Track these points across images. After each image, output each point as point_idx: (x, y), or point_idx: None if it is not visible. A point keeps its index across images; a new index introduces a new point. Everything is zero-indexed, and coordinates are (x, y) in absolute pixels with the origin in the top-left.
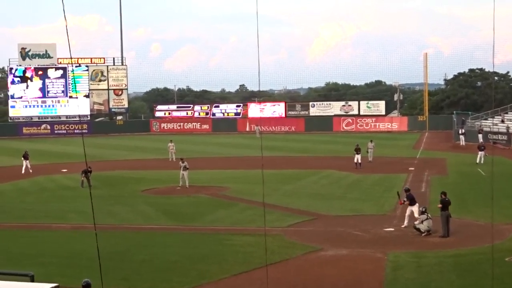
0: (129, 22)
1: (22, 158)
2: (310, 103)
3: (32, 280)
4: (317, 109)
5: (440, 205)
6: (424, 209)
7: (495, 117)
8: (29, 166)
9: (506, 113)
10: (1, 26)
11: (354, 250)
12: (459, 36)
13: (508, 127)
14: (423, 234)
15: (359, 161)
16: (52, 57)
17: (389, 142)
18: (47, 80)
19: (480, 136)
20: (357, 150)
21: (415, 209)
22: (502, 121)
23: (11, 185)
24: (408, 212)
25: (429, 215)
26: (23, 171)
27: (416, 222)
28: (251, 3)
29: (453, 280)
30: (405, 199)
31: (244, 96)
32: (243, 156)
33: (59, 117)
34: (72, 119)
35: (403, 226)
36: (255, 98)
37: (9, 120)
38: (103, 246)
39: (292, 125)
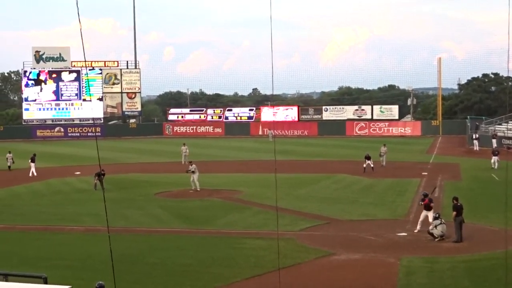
0: (143, 25)
1: (30, 161)
2: (323, 107)
3: (45, 282)
4: (330, 113)
5: (455, 212)
6: (437, 214)
7: (509, 122)
8: (34, 169)
9: None
10: (16, 29)
11: (367, 254)
12: (473, 41)
13: None
14: (436, 239)
15: (372, 165)
16: (66, 60)
17: (402, 147)
18: (60, 83)
19: (494, 141)
20: (368, 158)
21: (430, 214)
22: None
23: (25, 188)
24: (421, 218)
25: (442, 220)
26: (35, 174)
27: (430, 227)
28: (264, 7)
29: (466, 286)
30: (423, 202)
31: (257, 100)
32: (255, 160)
33: (73, 120)
34: (86, 122)
35: (415, 231)
36: (268, 101)
37: (23, 123)
38: (116, 249)
39: (305, 129)
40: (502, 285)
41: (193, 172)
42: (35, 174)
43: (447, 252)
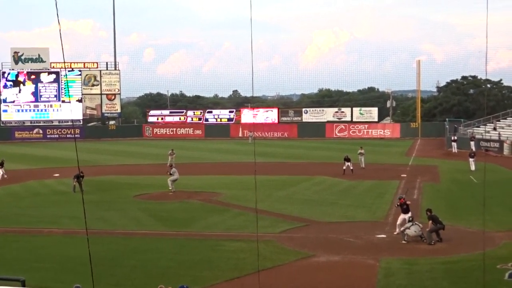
0: (123, 27)
1: None
2: (303, 109)
3: (23, 285)
4: (310, 115)
5: (430, 221)
6: (411, 218)
7: (487, 124)
8: (2, 172)
9: (498, 120)
10: None
11: (346, 256)
12: (452, 44)
13: (500, 135)
14: (404, 241)
15: (351, 167)
16: (45, 62)
17: (381, 149)
18: (39, 85)
19: (472, 143)
20: (347, 160)
21: (407, 217)
22: (494, 129)
23: (2, 190)
24: (399, 221)
25: (416, 222)
26: (5, 176)
27: (402, 228)
28: (245, 9)
29: (445, 287)
30: (399, 200)
31: (237, 102)
32: (235, 162)
33: (52, 121)
34: (65, 123)
35: (395, 233)
36: (248, 103)
37: (1, 125)
38: (96, 251)
39: (285, 131)
40: (480, 286)
41: (171, 174)
42: (5, 176)
43: (426, 254)
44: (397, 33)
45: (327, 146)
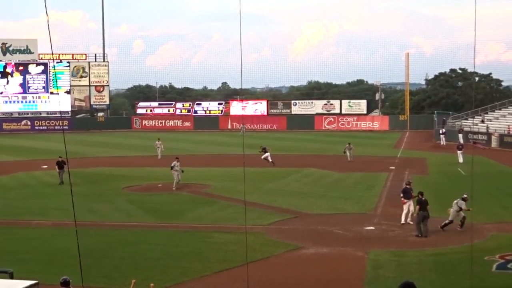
0: (112, 18)
1: None
2: (292, 101)
3: (12, 277)
4: (299, 108)
5: (418, 206)
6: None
7: (476, 117)
8: None
9: (486, 113)
10: None
11: (335, 248)
12: (441, 37)
13: (488, 127)
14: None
15: (270, 159)
16: (33, 53)
17: (370, 141)
18: (27, 76)
19: (460, 136)
20: (264, 151)
21: (411, 204)
22: (482, 121)
23: None
24: (405, 210)
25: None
26: None
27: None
28: (235, 1)
29: (433, 279)
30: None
31: (226, 94)
32: (224, 154)
33: (40, 113)
34: (53, 115)
35: (402, 223)
36: (237, 95)
37: None
38: (84, 243)
39: (274, 123)
40: (467, 278)
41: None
42: None
43: (415, 246)
44: (387, 26)
45: (316, 139)
